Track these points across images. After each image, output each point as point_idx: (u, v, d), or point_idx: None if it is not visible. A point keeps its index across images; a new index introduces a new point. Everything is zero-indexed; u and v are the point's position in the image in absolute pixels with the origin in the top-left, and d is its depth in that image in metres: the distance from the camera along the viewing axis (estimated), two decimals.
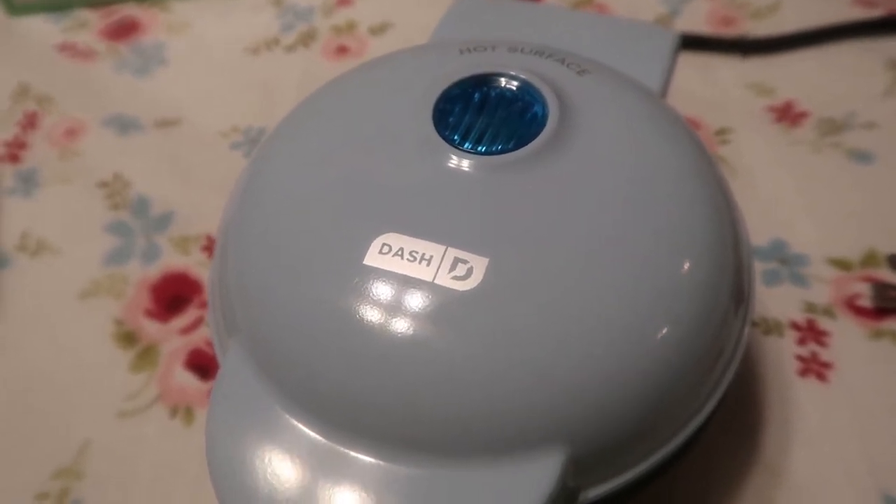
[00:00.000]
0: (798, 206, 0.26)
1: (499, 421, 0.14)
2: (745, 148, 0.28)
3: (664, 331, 0.15)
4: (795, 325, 0.23)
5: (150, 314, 0.24)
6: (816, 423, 0.21)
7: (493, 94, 0.18)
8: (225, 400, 0.15)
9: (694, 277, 0.16)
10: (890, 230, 0.25)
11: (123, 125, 0.30)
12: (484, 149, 0.16)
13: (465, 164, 0.16)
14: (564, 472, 0.14)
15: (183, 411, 0.22)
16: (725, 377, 0.17)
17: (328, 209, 0.16)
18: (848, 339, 0.23)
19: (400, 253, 0.15)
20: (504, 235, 0.15)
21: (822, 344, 0.22)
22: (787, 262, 0.24)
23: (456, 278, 0.15)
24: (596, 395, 0.15)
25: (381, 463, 0.14)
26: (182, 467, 0.21)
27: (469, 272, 0.15)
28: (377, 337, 0.14)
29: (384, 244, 0.15)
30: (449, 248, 0.15)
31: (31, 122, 0.30)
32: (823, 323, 0.23)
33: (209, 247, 0.26)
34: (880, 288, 0.23)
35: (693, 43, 0.31)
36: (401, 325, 0.14)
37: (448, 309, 0.14)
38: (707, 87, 0.30)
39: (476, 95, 0.18)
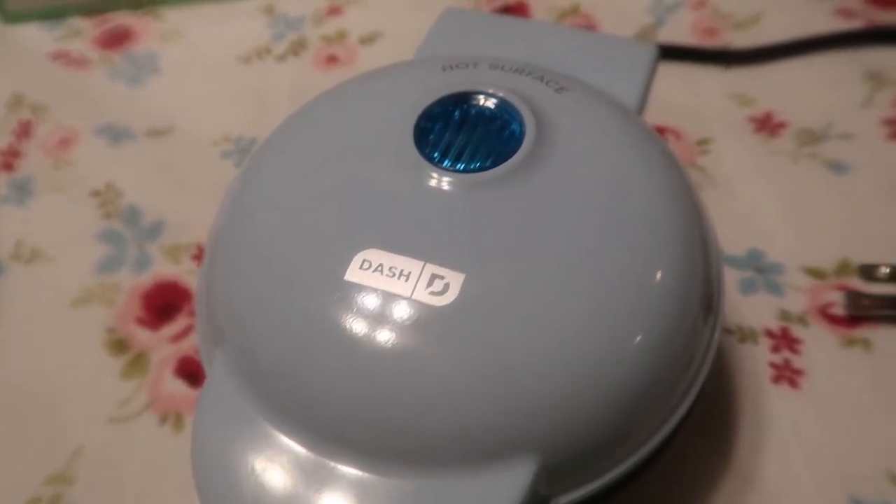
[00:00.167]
0: (775, 216, 0.27)
1: (474, 432, 0.15)
2: (725, 158, 0.29)
3: (635, 341, 0.16)
4: (770, 333, 0.24)
5: (142, 322, 0.25)
6: (788, 429, 0.22)
7: (472, 112, 0.18)
8: (210, 411, 0.16)
9: (664, 292, 0.16)
10: (863, 240, 0.25)
11: (116, 134, 0.30)
12: (463, 166, 0.17)
13: (445, 181, 0.17)
14: (536, 480, 0.15)
15: (173, 418, 0.22)
16: (695, 385, 0.17)
17: (312, 224, 0.17)
18: (820, 346, 0.23)
19: (380, 269, 0.16)
20: (480, 251, 0.16)
21: (794, 351, 0.23)
22: (763, 271, 0.25)
23: (433, 294, 0.15)
24: (568, 405, 0.15)
25: (364, 474, 0.15)
26: (172, 473, 0.21)
27: (446, 288, 0.15)
28: (357, 351, 0.15)
29: (364, 260, 0.16)
30: (427, 265, 0.15)
31: (25, 130, 0.30)
32: (797, 331, 0.24)
33: (199, 255, 0.26)
34: (853, 296, 0.24)
35: (676, 53, 0.32)
36: (380, 340, 0.15)
37: (425, 324, 0.15)
38: (689, 97, 0.31)
39: (456, 113, 0.18)
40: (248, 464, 0.15)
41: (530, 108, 0.18)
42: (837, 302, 0.24)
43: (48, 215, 0.28)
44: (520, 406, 0.15)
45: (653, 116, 0.28)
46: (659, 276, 0.17)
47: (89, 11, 0.35)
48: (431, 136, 0.18)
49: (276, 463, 0.15)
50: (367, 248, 0.16)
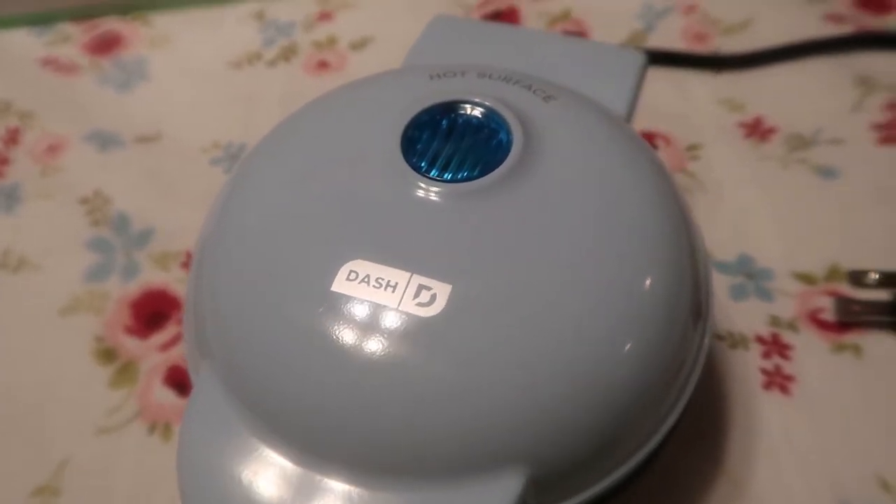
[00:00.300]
0: (765, 221, 0.27)
1: (462, 444, 0.15)
2: (715, 163, 0.29)
3: (624, 350, 0.16)
4: (760, 339, 0.24)
5: (130, 330, 0.24)
6: (778, 435, 0.22)
7: (460, 121, 0.18)
8: (196, 423, 0.16)
9: (653, 299, 0.16)
10: (853, 245, 0.26)
11: (104, 141, 0.30)
12: (450, 176, 0.17)
13: (432, 191, 0.17)
14: (525, 492, 0.15)
15: (162, 427, 0.22)
16: (685, 392, 0.17)
17: (298, 235, 0.17)
18: (810, 352, 0.23)
19: (366, 280, 0.15)
20: (468, 262, 0.16)
21: (785, 357, 0.23)
22: (754, 277, 0.25)
23: (420, 305, 0.15)
24: (557, 416, 0.15)
25: (351, 487, 0.15)
26: (161, 484, 0.21)
27: (433, 298, 0.15)
28: (344, 363, 0.15)
29: (351, 271, 0.16)
30: (414, 275, 0.15)
31: (13, 137, 0.30)
32: (787, 336, 0.24)
33: (188, 263, 0.26)
34: (843, 302, 0.24)
35: (666, 59, 0.32)
36: (366, 352, 0.15)
37: (412, 335, 0.15)
38: (680, 102, 0.31)
39: (444, 122, 0.18)
40: (234, 477, 0.15)
41: (518, 118, 0.18)
42: (827, 308, 0.24)
43: (36, 222, 0.27)
44: (508, 417, 0.15)
45: (643, 122, 0.28)
46: (648, 283, 0.17)
47: (78, 17, 0.35)
48: (419, 146, 0.18)
49: (262, 476, 0.15)
50: (354, 258, 0.16)
